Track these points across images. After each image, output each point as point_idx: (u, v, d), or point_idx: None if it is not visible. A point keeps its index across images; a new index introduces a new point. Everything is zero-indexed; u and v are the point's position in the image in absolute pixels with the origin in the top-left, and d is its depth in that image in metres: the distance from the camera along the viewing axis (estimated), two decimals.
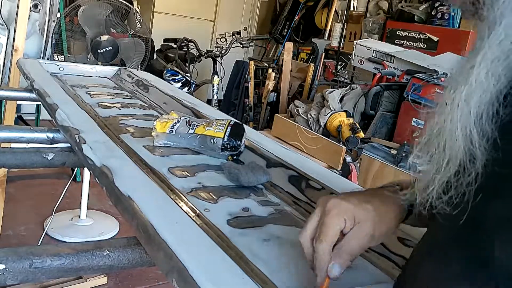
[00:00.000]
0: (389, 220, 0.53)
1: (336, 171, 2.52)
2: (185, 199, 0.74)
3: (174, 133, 1.02)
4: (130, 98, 1.54)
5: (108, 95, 1.54)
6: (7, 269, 0.59)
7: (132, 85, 1.71)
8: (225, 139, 0.99)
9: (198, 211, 0.70)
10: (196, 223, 0.64)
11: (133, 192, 0.68)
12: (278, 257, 0.61)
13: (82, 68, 1.84)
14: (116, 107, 1.37)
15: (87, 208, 2.50)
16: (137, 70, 2.13)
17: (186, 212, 0.68)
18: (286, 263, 0.60)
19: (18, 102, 2.60)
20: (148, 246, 0.59)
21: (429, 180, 0.46)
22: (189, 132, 1.02)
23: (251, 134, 1.12)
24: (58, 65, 1.80)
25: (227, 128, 1.01)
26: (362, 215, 0.50)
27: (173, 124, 1.04)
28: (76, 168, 2.79)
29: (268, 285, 0.53)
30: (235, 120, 1.11)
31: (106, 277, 2.06)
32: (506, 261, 0.39)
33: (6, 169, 1.98)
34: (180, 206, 0.69)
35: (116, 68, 1.92)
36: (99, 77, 1.84)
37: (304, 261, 0.60)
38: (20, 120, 3.18)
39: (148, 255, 0.62)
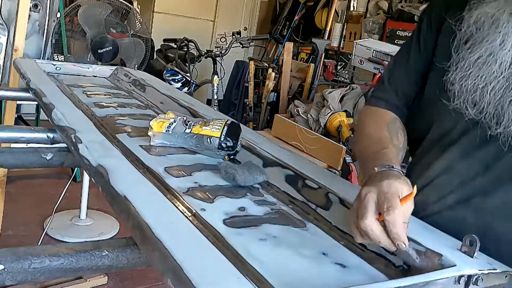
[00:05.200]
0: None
1: (336, 171, 2.51)
2: (181, 199, 0.74)
3: (170, 132, 1.02)
4: (127, 98, 1.54)
5: (104, 94, 1.54)
6: (5, 270, 0.59)
7: (129, 85, 1.71)
8: (222, 139, 0.99)
9: (194, 211, 0.70)
10: (192, 223, 0.64)
11: (129, 192, 0.68)
12: (274, 256, 0.61)
13: (79, 68, 1.84)
14: (113, 106, 1.37)
15: (87, 208, 2.50)
16: (134, 69, 2.13)
17: (182, 212, 0.68)
18: (282, 262, 0.60)
19: (18, 102, 2.60)
20: (144, 246, 0.59)
21: None
22: (185, 131, 1.02)
23: (247, 133, 1.11)
24: (54, 65, 1.80)
25: (223, 128, 1.00)
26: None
27: (169, 124, 1.04)
28: (76, 168, 2.79)
29: (264, 284, 0.53)
30: (231, 119, 1.10)
31: (106, 277, 2.06)
32: None
33: (6, 169, 1.98)
34: (176, 206, 0.69)
35: (113, 67, 1.92)
36: (96, 76, 1.84)
37: (300, 260, 0.60)
38: (20, 120, 3.18)
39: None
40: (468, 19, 0.73)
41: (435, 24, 0.83)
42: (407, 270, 0.60)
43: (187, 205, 0.72)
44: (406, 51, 0.88)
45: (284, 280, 0.55)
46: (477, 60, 0.71)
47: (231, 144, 1.00)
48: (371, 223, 0.57)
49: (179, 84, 3.41)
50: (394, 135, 0.83)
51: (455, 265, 0.56)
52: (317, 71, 3.46)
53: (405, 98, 0.88)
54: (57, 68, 1.78)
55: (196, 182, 0.83)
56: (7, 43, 2.48)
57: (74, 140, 0.90)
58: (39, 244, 2.16)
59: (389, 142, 0.80)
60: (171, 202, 0.70)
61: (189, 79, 3.50)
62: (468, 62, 0.72)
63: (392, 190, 0.58)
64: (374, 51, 3.26)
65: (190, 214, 0.68)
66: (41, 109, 3.03)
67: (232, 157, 1.02)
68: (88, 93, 1.51)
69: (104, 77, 1.84)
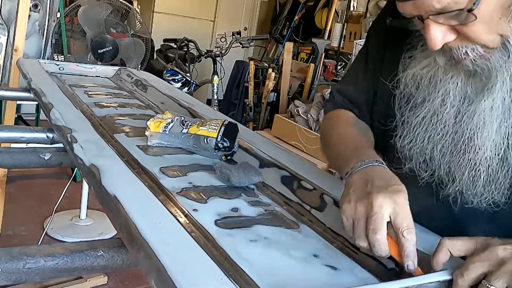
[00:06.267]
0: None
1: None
2: (174, 199, 0.74)
3: (167, 132, 1.02)
4: (128, 98, 1.54)
5: (106, 94, 1.54)
6: (0, 270, 0.59)
7: (131, 85, 1.71)
8: (219, 139, 0.99)
9: (186, 211, 0.70)
10: (181, 224, 0.64)
11: (119, 192, 0.68)
12: (264, 258, 0.60)
13: (82, 68, 1.84)
14: (113, 106, 1.37)
15: (87, 208, 2.50)
16: (137, 70, 2.13)
17: (173, 213, 0.67)
18: (271, 263, 0.59)
19: (18, 102, 2.61)
20: (130, 246, 0.59)
21: None
22: (182, 131, 1.02)
23: (245, 134, 1.11)
24: (58, 65, 1.80)
25: (220, 128, 1.00)
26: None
27: (167, 124, 1.04)
28: (76, 168, 2.80)
29: (251, 286, 0.52)
30: (229, 119, 1.10)
31: (106, 277, 2.07)
32: None
33: (6, 169, 1.98)
34: (167, 207, 0.69)
35: (116, 68, 1.92)
36: (99, 77, 1.84)
37: (290, 262, 0.60)
38: (20, 120, 3.19)
39: None
40: (404, 78, 0.72)
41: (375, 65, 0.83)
42: (399, 272, 0.60)
43: (179, 205, 0.72)
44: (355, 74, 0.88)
45: (272, 281, 0.54)
46: (422, 121, 0.69)
47: (228, 145, 1.00)
48: (383, 239, 0.57)
49: (179, 84, 3.42)
50: (362, 129, 0.82)
51: (446, 269, 0.56)
52: (317, 71, 3.46)
53: (363, 97, 0.86)
54: (61, 68, 1.78)
55: (191, 183, 0.83)
56: (7, 43, 2.49)
57: (69, 139, 0.90)
58: (39, 244, 2.16)
59: (364, 136, 0.79)
60: (163, 203, 0.69)
61: (189, 79, 3.50)
62: (413, 124, 0.70)
63: (407, 208, 0.58)
64: None
65: (181, 215, 0.68)
66: (41, 109, 3.04)
67: (229, 157, 1.02)
68: (90, 93, 1.52)
69: (107, 77, 1.84)
